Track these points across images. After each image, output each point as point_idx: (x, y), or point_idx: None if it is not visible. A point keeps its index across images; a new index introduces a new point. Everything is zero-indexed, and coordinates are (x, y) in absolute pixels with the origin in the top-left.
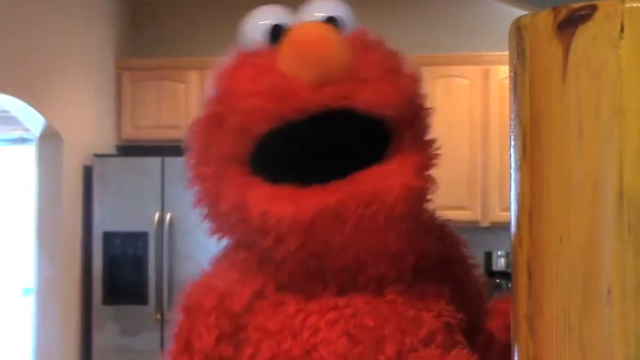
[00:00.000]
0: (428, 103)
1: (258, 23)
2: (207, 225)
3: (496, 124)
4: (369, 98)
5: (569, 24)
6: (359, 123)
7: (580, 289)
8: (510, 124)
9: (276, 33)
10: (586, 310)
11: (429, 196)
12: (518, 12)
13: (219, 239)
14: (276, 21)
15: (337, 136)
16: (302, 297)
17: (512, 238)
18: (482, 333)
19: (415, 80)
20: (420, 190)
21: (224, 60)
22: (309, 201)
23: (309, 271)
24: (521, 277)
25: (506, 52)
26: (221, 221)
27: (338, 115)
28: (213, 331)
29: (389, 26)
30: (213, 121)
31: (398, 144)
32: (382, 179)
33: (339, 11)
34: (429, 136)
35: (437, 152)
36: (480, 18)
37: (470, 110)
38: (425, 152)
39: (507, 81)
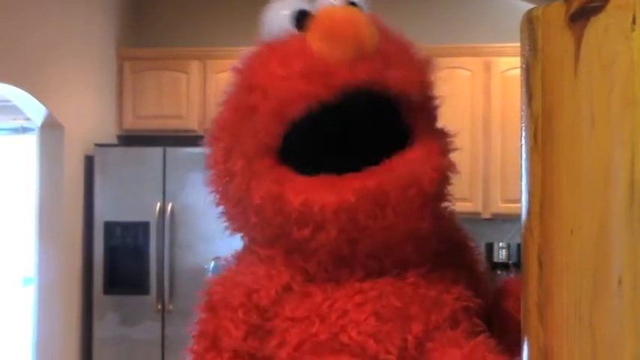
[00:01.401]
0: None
1: (281, 12)
2: (225, 224)
3: (498, 115)
4: (399, 75)
5: (581, 16)
6: (383, 107)
7: (591, 279)
8: (521, 115)
9: (302, 19)
10: (596, 301)
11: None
12: (520, 4)
13: (243, 237)
14: (299, 8)
15: (364, 120)
16: (329, 285)
17: (523, 228)
18: (495, 314)
19: (432, 66)
20: (447, 174)
21: (247, 53)
22: (350, 186)
23: (339, 257)
24: (532, 267)
25: (508, 44)
26: (249, 213)
27: (364, 97)
28: (241, 327)
29: (390, 18)
30: (243, 114)
31: (416, 132)
32: (415, 164)
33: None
34: (439, 124)
35: (452, 139)
36: (482, 10)
37: (471, 102)
38: (443, 138)
39: (509, 73)
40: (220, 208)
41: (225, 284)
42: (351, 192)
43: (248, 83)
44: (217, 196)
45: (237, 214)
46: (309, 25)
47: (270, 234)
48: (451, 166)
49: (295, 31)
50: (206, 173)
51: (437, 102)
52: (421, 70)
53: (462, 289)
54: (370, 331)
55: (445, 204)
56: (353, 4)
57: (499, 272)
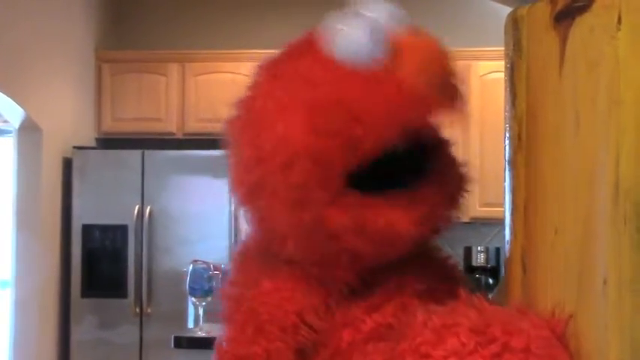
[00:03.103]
0: None
1: (361, 36)
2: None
3: (477, 119)
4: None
5: (567, 15)
6: None
7: (575, 281)
8: (505, 115)
9: (384, 47)
10: (581, 302)
11: None
12: (499, 8)
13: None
14: (381, 31)
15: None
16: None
17: (507, 230)
18: None
19: None
20: None
21: (303, 68)
22: (420, 205)
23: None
24: (515, 270)
25: (487, 48)
26: (314, 236)
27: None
28: (292, 347)
29: None
30: (332, 145)
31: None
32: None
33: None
34: None
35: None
36: (461, 14)
37: None
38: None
39: (488, 77)
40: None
41: (270, 303)
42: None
43: (340, 107)
44: (258, 214)
45: (297, 238)
46: (394, 54)
47: (321, 255)
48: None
49: (380, 59)
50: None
51: None
52: None
53: None
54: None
55: None
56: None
57: (477, 276)
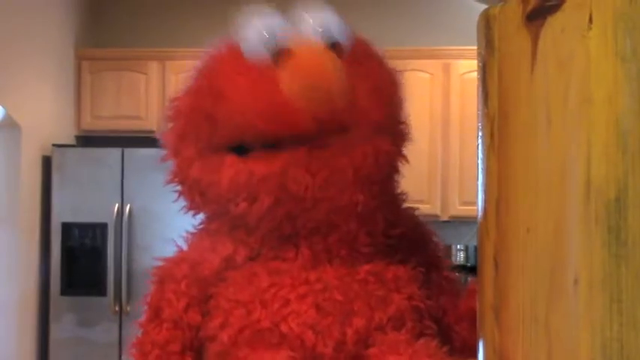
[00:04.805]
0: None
1: (257, 34)
2: (181, 203)
3: (456, 118)
4: (362, 125)
5: (538, 15)
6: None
7: (547, 279)
8: (478, 114)
9: (276, 49)
10: (552, 301)
11: (399, 169)
12: (479, 6)
13: (194, 215)
14: (276, 36)
15: None
16: (274, 268)
17: (479, 228)
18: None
19: (400, 90)
20: (389, 154)
21: (216, 49)
22: (279, 158)
23: (282, 234)
24: (488, 268)
25: (467, 47)
26: (193, 192)
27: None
28: (182, 299)
29: (349, 20)
30: (200, 113)
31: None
32: (353, 141)
33: (335, 29)
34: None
35: (407, 132)
36: (442, 12)
37: (430, 104)
38: (396, 129)
39: (467, 75)
40: (171, 188)
41: (173, 259)
42: (278, 161)
43: (213, 89)
44: (169, 173)
45: (184, 191)
46: (284, 59)
47: (214, 210)
48: (397, 150)
49: (269, 59)
50: (162, 150)
51: (403, 111)
52: (390, 108)
53: (415, 288)
54: (310, 322)
55: (399, 194)
56: (330, 38)
57: (457, 274)
